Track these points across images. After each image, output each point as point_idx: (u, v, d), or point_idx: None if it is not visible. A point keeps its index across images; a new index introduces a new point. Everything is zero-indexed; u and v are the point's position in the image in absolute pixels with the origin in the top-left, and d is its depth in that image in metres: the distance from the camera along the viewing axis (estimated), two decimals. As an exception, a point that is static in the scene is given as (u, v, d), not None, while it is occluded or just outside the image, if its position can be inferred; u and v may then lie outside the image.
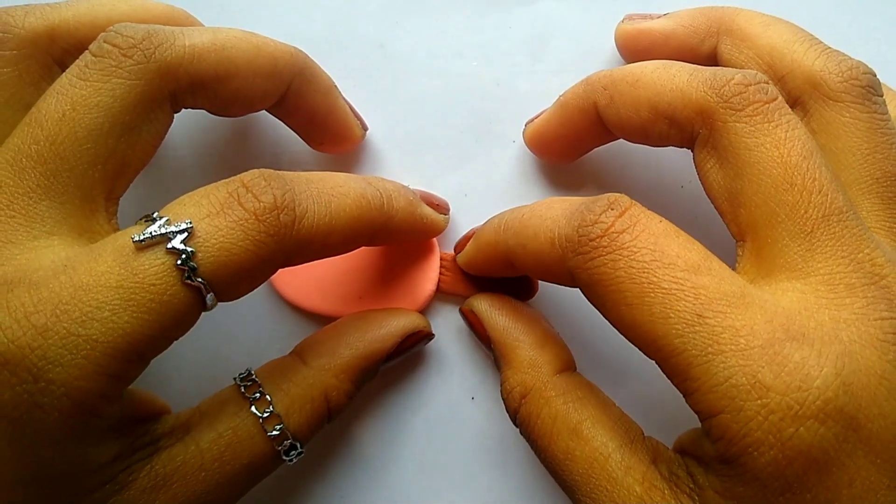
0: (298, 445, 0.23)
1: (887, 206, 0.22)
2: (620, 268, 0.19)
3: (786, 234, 0.20)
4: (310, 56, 0.26)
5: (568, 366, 0.24)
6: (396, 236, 0.25)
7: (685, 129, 0.22)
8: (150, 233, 0.19)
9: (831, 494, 0.17)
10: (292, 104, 0.26)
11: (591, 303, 0.20)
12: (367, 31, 0.30)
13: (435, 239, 0.28)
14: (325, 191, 0.21)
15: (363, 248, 0.28)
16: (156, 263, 0.19)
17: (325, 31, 0.30)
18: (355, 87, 0.30)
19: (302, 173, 0.22)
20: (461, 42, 0.30)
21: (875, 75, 0.23)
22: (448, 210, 0.28)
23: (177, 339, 0.20)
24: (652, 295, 0.18)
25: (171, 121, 0.23)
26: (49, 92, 0.21)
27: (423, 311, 0.28)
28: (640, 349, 0.19)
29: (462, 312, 0.27)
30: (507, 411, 0.24)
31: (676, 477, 0.19)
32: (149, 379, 0.28)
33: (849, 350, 0.18)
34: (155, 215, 0.20)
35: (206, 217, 0.19)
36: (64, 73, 0.21)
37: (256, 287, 0.21)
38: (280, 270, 0.28)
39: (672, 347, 0.18)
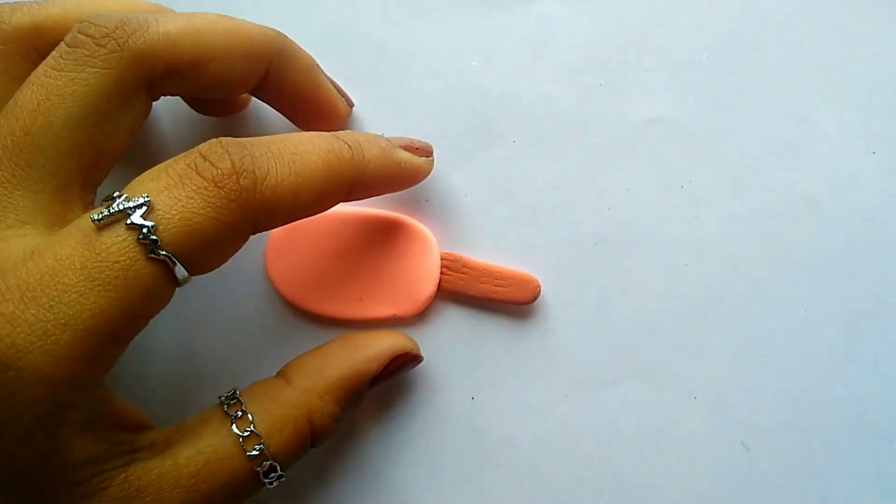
0: (278, 467, 0.22)
1: None
2: None
3: None
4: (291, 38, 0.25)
5: None
6: (375, 187, 0.24)
7: None
8: (109, 210, 0.19)
9: None
10: (275, 85, 0.25)
11: None
12: (367, 31, 0.30)
13: (435, 239, 0.28)
14: (287, 150, 0.21)
15: (363, 247, 0.28)
16: (117, 241, 0.19)
17: (325, 31, 0.30)
18: (355, 87, 0.30)
19: (264, 136, 0.22)
20: (461, 42, 0.30)
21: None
22: (431, 153, 0.27)
23: (152, 316, 0.20)
24: None
25: (149, 109, 0.23)
26: (25, 84, 0.21)
27: (423, 311, 0.28)
28: None
29: None
30: None
31: None
32: (148, 383, 0.28)
33: None
34: (115, 194, 0.20)
35: (164, 190, 0.19)
36: (40, 65, 0.21)
37: (229, 256, 0.21)
38: (280, 270, 0.28)
39: None
